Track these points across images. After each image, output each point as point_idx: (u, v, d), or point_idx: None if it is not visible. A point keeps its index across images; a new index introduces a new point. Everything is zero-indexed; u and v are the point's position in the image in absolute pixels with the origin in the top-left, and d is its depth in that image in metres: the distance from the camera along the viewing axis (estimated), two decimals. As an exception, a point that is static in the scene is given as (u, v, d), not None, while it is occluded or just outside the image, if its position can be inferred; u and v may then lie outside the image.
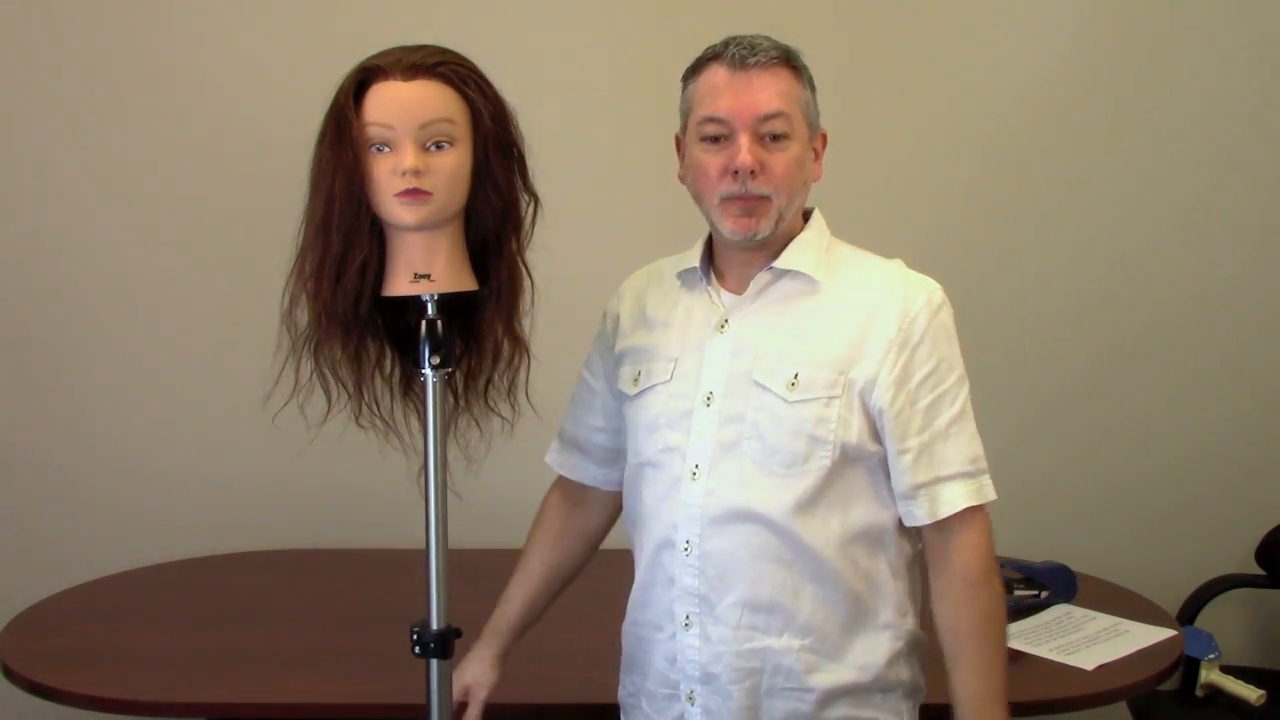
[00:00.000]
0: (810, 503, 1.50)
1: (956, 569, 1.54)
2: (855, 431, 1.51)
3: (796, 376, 1.52)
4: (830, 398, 1.50)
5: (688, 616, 1.56)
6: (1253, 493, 2.96)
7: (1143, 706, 2.63)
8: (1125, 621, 2.33)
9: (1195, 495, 2.97)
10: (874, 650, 1.55)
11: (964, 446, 1.54)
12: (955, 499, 1.52)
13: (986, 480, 1.55)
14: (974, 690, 1.53)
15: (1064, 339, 2.93)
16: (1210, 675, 2.62)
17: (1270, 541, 2.85)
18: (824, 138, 1.60)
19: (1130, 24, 2.82)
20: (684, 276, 1.65)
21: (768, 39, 1.54)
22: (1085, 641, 2.25)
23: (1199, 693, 2.63)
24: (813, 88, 1.57)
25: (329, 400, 1.47)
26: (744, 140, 1.49)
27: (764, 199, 1.51)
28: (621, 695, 1.73)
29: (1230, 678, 2.61)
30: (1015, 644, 2.24)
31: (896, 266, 1.59)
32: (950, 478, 1.53)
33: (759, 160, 1.50)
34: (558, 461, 1.81)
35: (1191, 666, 2.62)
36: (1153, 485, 2.96)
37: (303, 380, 1.44)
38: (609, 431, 1.74)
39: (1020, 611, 2.38)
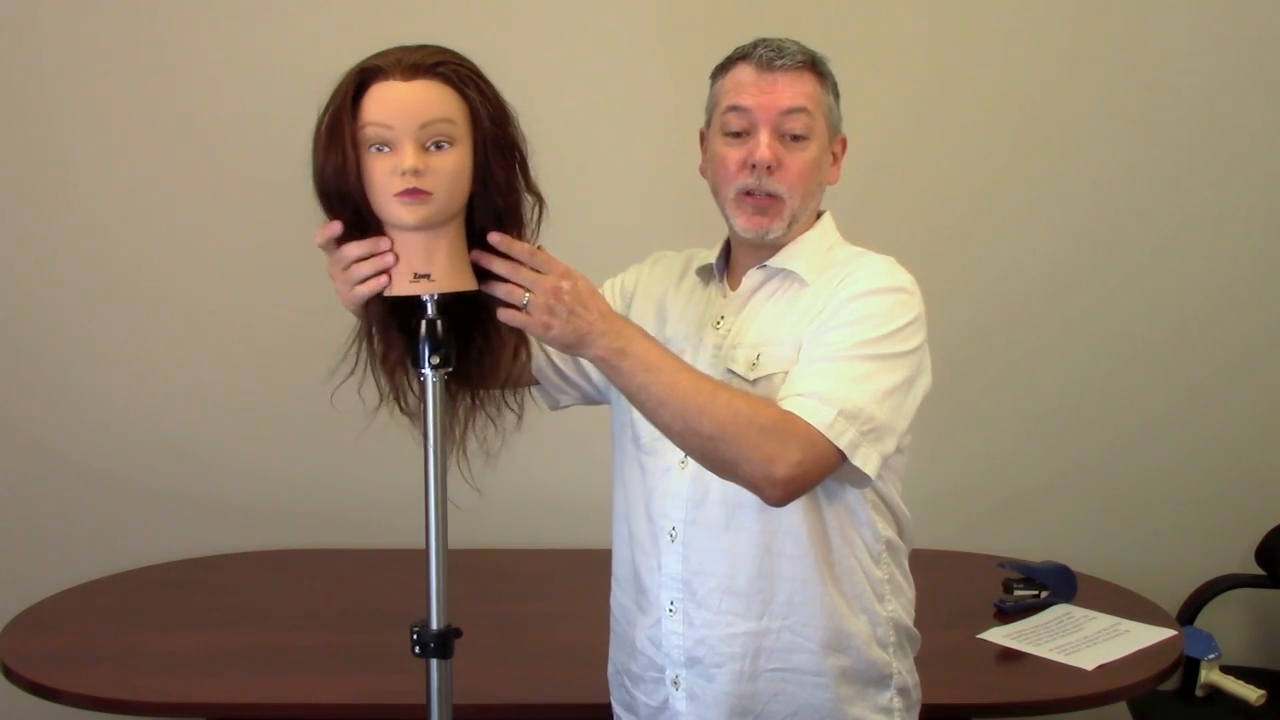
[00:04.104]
0: None
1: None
2: None
3: (759, 356, 1.54)
4: (787, 373, 1.50)
5: (672, 602, 1.58)
6: (1253, 493, 2.96)
7: (1143, 706, 2.63)
8: (1125, 621, 2.33)
9: (1195, 495, 2.97)
10: (852, 633, 1.55)
11: (824, 380, 1.42)
12: (786, 405, 1.41)
13: (834, 418, 1.39)
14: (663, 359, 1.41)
15: (1065, 341, 2.93)
16: (1210, 675, 2.62)
17: (1270, 541, 2.85)
18: (844, 142, 1.63)
19: (1133, 27, 2.83)
20: (702, 272, 1.68)
21: (795, 43, 1.57)
22: (1085, 641, 2.25)
23: (1199, 693, 2.63)
24: (836, 95, 1.60)
25: (381, 397, 1.48)
26: (764, 135, 1.53)
27: (777, 199, 1.54)
28: (609, 672, 1.75)
29: (1230, 678, 2.61)
30: (1015, 644, 2.24)
31: (883, 258, 1.58)
32: (789, 396, 1.43)
33: (777, 157, 1.53)
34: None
35: (1191, 666, 2.62)
36: (1153, 486, 2.96)
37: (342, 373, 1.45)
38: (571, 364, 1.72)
39: (1020, 611, 2.39)
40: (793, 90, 1.53)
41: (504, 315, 1.38)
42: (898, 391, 1.47)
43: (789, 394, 1.44)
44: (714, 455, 1.41)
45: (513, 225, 1.42)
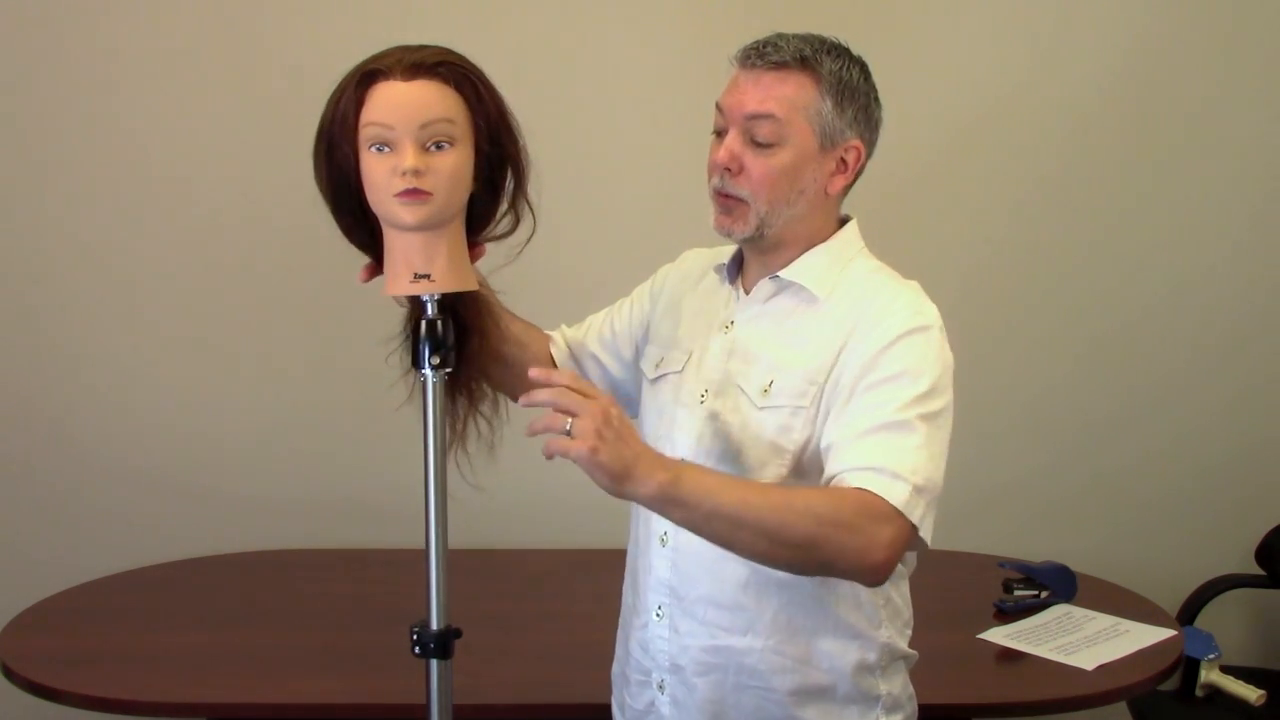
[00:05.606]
0: None
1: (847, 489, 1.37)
2: (816, 442, 1.47)
3: (771, 384, 1.51)
4: (797, 407, 1.48)
5: (660, 607, 1.58)
6: (1253, 493, 2.96)
7: (1143, 706, 2.63)
8: (1125, 621, 2.33)
9: (1195, 495, 2.97)
10: (840, 656, 1.53)
11: (890, 453, 1.38)
12: (856, 481, 1.37)
13: (910, 494, 1.36)
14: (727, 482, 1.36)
15: (1063, 337, 2.93)
16: (1210, 675, 2.62)
17: (1270, 541, 2.85)
18: (857, 150, 1.52)
19: (1138, 30, 2.83)
20: (719, 270, 1.65)
21: (797, 40, 1.50)
22: (1085, 641, 2.25)
23: (1199, 693, 2.63)
24: (849, 97, 1.50)
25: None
26: (729, 136, 1.49)
27: (740, 201, 1.50)
28: (614, 672, 1.74)
29: (1230, 678, 2.61)
30: (1015, 644, 2.24)
31: (905, 289, 1.53)
32: (855, 470, 1.38)
33: (737, 159, 1.48)
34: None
35: (1191, 666, 2.62)
36: (1153, 485, 2.96)
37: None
38: (610, 347, 1.74)
39: (1020, 611, 2.39)
40: (762, 94, 1.47)
41: (552, 446, 1.25)
42: (945, 446, 1.45)
43: (853, 467, 1.38)
44: (805, 561, 1.37)
45: (510, 225, 1.43)
